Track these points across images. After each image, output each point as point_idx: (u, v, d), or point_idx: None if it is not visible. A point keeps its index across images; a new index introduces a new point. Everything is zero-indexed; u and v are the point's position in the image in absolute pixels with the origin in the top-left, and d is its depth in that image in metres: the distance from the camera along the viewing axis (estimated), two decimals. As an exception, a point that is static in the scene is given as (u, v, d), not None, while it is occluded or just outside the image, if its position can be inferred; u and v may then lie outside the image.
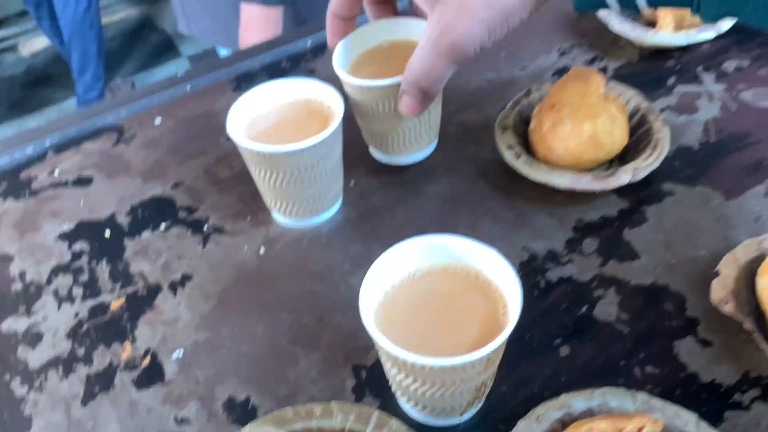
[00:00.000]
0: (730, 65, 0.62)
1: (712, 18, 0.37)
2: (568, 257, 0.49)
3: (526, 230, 0.51)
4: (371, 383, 0.43)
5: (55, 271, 0.53)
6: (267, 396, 0.43)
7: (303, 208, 0.52)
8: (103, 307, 0.50)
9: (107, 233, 0.56)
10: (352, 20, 0.51)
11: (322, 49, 0.72)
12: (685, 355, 0.43)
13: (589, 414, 0.38)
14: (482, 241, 0.50)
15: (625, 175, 0.50)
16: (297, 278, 0.50)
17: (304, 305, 0.48)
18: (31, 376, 0.46)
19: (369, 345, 0.44)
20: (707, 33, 0.62)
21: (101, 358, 0.47)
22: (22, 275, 0.53)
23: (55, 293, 0.51)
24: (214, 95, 0.67)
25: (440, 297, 0.39)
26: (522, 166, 0.52)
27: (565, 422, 0.37)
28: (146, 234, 0.55)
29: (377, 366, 0.43)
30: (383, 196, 0.55)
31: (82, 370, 0.46)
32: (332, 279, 0.50)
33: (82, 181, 0.61)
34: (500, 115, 0.56)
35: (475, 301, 0.39)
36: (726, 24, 0.62)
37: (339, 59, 0.51)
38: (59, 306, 0.51)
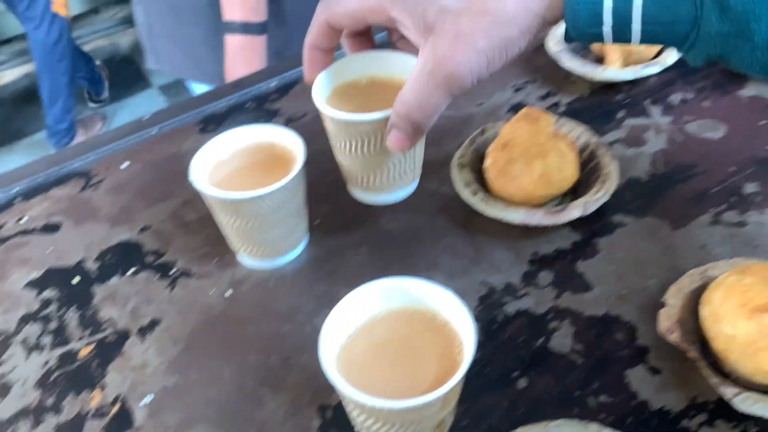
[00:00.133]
0: (675, 98, 0.65)
1: (699, 62, 0.38)
2: (525, 290, 0.51)
3: (485, 264, 0.53)
4: (337, 422, 0.44)
5: (24, 320, 0.54)
6: (235, 439, 0.44)
7: (268, 250, 0.54)
8: (72, 355, 0.51)
9: (76, 280, 0.56)
10: (330, 52, 0.49)
11: (286, 90, 0.73)
12: (636, 383, 0.45)
13: (543, 446, 0.39)
14: (443, 276, 0.53)
15: (575, 210, 0.52)
16: (263, 320, 0.51)
17: (270, 347, 0.49)
18: (0, 428, 0.47)
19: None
20: (653, 68, 0.65)
21: (71, 407, 0.47)
22: (-10, 325, 0.54)
23: (24, 342, 0.52)
24: (181, 137, 0.69)
25: (399, 339, 0.41)
26: (478, 203, 0.54)
27: (521, 455, 0.39)
28: (114, 280, 0.56)
29: (342, 405, 0.45)
30: (347, 235, 0.57)
31: (51, 420, 0.47)
32: (297, 319, 0.51)
33: (50, 228, 0.61)
34: (457, 153, 0.58)
35: (432, 341, 0.40)
36: (671, 58, 0.65)
37: (320, 93, 0.50)
38: (28, 355, 0.51)
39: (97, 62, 2.65)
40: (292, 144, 0.53)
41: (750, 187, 0.56)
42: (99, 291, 0.55)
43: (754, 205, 0.55)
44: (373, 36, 0.52)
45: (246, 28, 1.10)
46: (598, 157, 0.56)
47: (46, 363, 0.50)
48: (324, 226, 0.58)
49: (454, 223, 0.57)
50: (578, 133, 0.58)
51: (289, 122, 0.69)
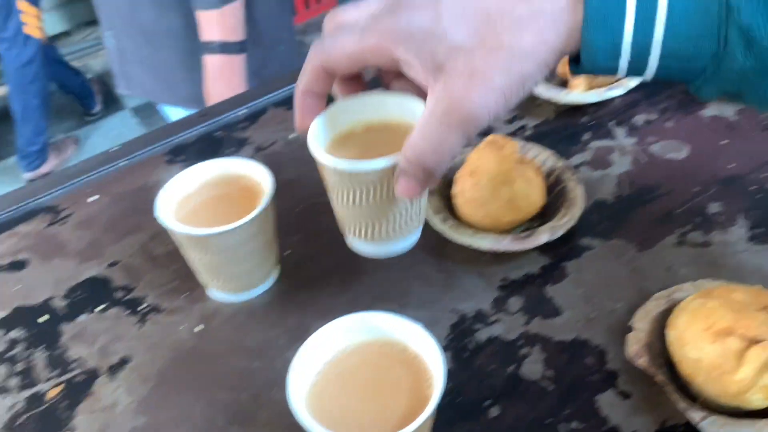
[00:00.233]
0: (639, 119, 0.66)
1: (710, 97, 0.37)
2: (495, 317, 0.52)
3: (456, 291, 0.54)
4: (309, 458, 0.44)
5: (-10, 362, 0.53)
6: (207, 479, 0.44)
7: (238, 284, 0.53)
8: (39, 397, 0.50)
9: (43, 318, 0.56)
10: (324, 97, 0.44)
11: (255, 117, 0.73)
12: (607, 408, 0.45)
13: (515, 477, 0.39)
14: (414, 305, 0.53)
15: (543, 236, 0.53)
16: (234, 355, 0.51)
17: (241, 383, 0.49)
18: (-34, 475, 0.46)
19: (306, 420, 0.45)
20: (617, 90, 0.66)
21: (38, 452, 0.47)
22: (-45, 368, 0.53)
23: (-10, 385, 0.51)
24: (149, 169, 0.68)
25: (369, 373, 0.41)
26: (448, 230, 0.54)
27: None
28: (83, 317, 0.55)
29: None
30: (318, 264, 0.57)
31: (18, 466, 0.46)
32: (269, 354, 0.51)
33: (17, 265, 0.61)
34: (426, 180, 0.58)
35: (402, 375, 0.40)
36: (634, 81, 0.67)
37: (317, 142, 0.44)
38: (-6, 399, 0.50)
39: (89, 76, 2.65)
40: (260, 176, 0.53)
41: (714, 207, 0.57)
42: (67, 329, 0.54)
43: (718, 225, 0.56)
44: (363, 79, 0.47)
45: (225, 48, 1.10)
46: (564, 181, 0.57)
47: (13, 406, 0.50)
48: (295, 256, 0.58)
49: (424, 250, 0.57)
50: (544, 157, 0.58)
51: (258, 150, 0.69)
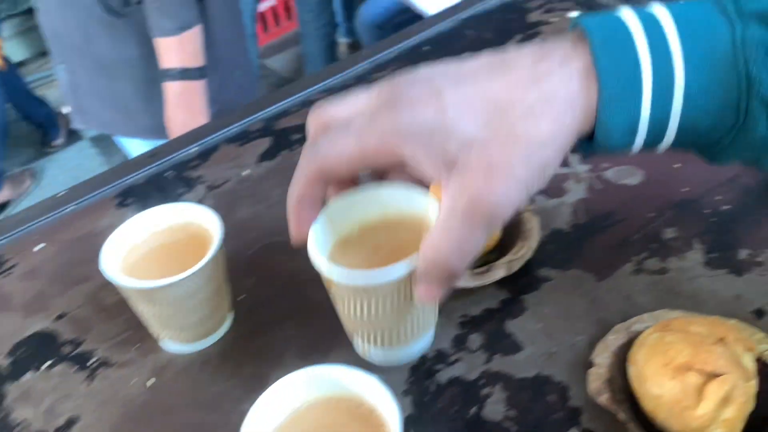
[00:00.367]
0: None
1: (725, 163, 0.36)
2: (456, 356, 0.51)
3: (415, 331, 0.53)
4: None
5: (-72, 430, 0.50)
6: None
7: (190, 334, 0.52)
8: (-19, 466, 0.47)
9: (-14, 379, 0.53)
10: (320, 202, 0.40)
11: (206, 155, 0.72)
12: (571, 447, 0.44)
13: None
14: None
15: (500, 271, 0.52)
16: (188, 409, 0.49)
17: (195, 440, 0.47)
18: None
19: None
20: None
21: None
22: None
23: (-72, 456, 0.48)
24: (97, 214, 0.66)
25: (325, 430, 0.39)
26: (405, 268, 0.53)
27: None
28: (28, 376, 0.53)
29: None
30: (274, 309, 0.55)
31: None
32: (224, 407, 0.49)
33: (-42, 322, 0.58)
34: (381, 217, 0.57)
35: (358, 430, 0.39)
36: (585, 107, 0.67)
37: (319, 253, 0.39)
38: (-67, 470, 0.48)
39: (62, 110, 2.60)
40: (208, 222, 0.51)
41: (669, 232, 0.57)
42: (11, 390, 0.52)
43: (674, 251, 0.56)
44: (358, 181, 0.43)
45: (185, 74, 1.09)
46: (519, 213, 0.56)
47: (-47, 477, 0.47)
48: (249, 301, 0.56)
49: (382, 288, 0.56)
50: (499, 189, 0.58)
51: (210, 189, 0.68)
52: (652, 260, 0.55)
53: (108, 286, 0.58)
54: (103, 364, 0.53)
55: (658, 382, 0.42)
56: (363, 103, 0.37)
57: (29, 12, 2.57)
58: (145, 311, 0.50)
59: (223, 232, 0.50)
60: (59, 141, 2.63)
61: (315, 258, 0.38)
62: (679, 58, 0.32)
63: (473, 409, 0.47)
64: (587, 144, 0.35)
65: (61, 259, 0.62)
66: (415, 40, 0.85)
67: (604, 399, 0.44)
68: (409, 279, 0.37)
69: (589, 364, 0.47)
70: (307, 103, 0.78)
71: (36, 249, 0.63)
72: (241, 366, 0.52)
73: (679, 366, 0.41)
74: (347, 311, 0.40)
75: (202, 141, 0.73)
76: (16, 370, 0.53)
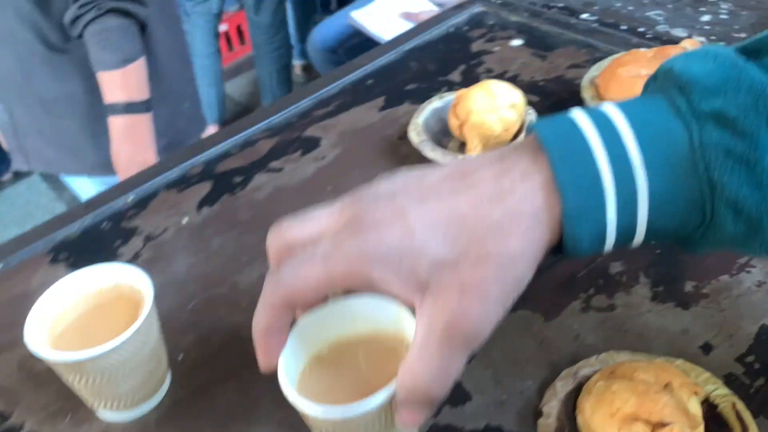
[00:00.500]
0: (537, 177, 0.66)
1: (698, 253, 0.36)
2: (404, 409, 0.49)
3: (362, 383, 0.51)
4: None
5: None
6: None
7: (125, 402, 0.49)
8: None
9: None
10: (287, 331, 0.39)
11: (144, 203, 0.69)
12: (523, 503, 0.43)
13: None
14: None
15: (446, 318, 0.51)
16: (123, 485, 0.47)
17: None
18: None
19: None
20: (512, 151, 0.65)
21: None
22: None
23: None
24: (29, 272, 0.63)
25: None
26: (348, 319, 0.51)
27: None
28: (-49, 456, 0.50)
29: None
30: (214, 368, 0.53)
31: None
32: (161, 480, 0.46)
33: None
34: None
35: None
36: (527, 140, 0.66)
37: (289, 383, 0.38)
38: None
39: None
40: (139, 282, 0.49)
41: (615, 267, 0.57)
42: (-67, 472, 0.49)
43: (621, 286, 0.55)
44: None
45: (130, 108, 1.07)
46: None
47: None
48: (188, 360, 0.54)
49: (327, 339, 0.54)
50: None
51: (148, 240, 0.65)
52: (599, 297, 0.55)
53: (39, 351, 0.56)
54: (34, 438, 0.50)
55: (606, 433, 0.41)
56: (325, 222, 0.36)
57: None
58: (76, 383, 0.47)
59: (154, 292, 0.47)
60: (7, 176, 2.55)
61: (287, 391, 0.37)
62: (640, 166, 0.32)
63: (422, 468, 0.45)
64: (559, 251, 0.35)
65: (-11, 324, 0.59)
66: (359, 74, 0.84)
67: (553, 451, 0.43)
68: (389, 405, 0.36)
69: (539, 413, 0.46)
70: (249, 143, 0.76)
71: (-38, 313, 0.60)
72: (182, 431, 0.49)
73: (626, 416, 0.40)
74: None
75: (139, 188, 0.71)
76: (-62, 450, 0.50)
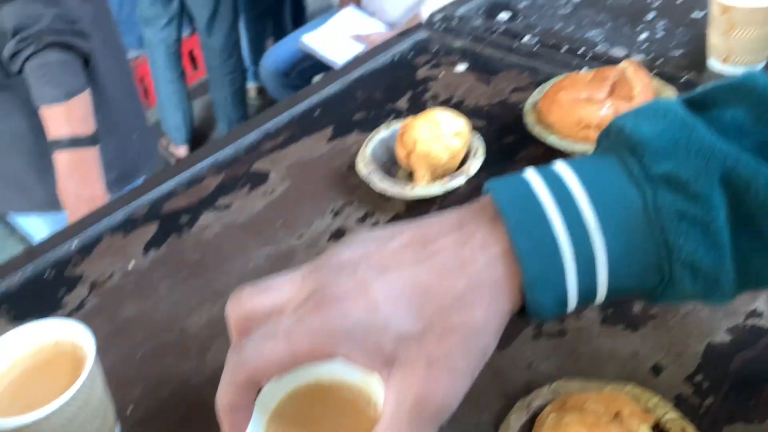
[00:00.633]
0: (486, 203, 0.66)
1: (667, 304, 0.37)
2: (360, 451, 0.48)
3: None
4: None
5: None
6: None
7: (71, 462, 0.47)
8: None
9: None
10: (252, 406, 0.38)
11: (89, 249, 0.68)
12: None
13: None
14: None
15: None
16: None
17: None
18: None
19: None
20: (459, 179, 0.66)
21: None
22: None
23: None
24: (-33, 328, 0.61)
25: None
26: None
27: None
28: None
29: None
30: (165, 419, 0.52)
31: None
32: None
33: None
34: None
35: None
36: (473, 168, 0.67)
37: None
38: None
39: None
40: (80, 338, 0.47)
41: (565, 291, 0.57)
42: None
43: (571, 310, 0.56)
44: None
45: (75, 142, 1.04)
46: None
47: None
48: (138, 412, 0.52)
49: (280, 382, 0.53)
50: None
51: (94, 288, 0.63)
52: (550, 322, 0.55)
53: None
54: (-25, 506, 0.48)
55: (559, 466, 0.41)
56: (287, 292, 0.35)
57: None
58: (15, 446, 0.45)
59: (101, 343, 0.46)
60: None
61: None
62: (596, 231, 0.32)
63: None
64: (523, 312, 0.35)
65: (-74, 386, 0.56)
66: (306, 105, 0.84)
67: (509, 487, 0.43)
68: None
69: (494, 449, 0.45)
70: (196, 181, 0.75)
71: None
72: (130, 491, 0.48)
73: (578, 449, 0.40)
74: None
75: (83, 233, 0.69)
76: None
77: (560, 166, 0.34)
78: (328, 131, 0.80)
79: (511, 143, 0.73)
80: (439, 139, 0.65)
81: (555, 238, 0.32)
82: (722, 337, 0.52)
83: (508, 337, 0.54)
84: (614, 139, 0.35)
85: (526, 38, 0.88)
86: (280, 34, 2.70)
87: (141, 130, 1.31)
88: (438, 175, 0.66)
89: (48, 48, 1.00)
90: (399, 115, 0.80)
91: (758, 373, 0.49)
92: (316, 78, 2.29)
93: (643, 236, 0.32)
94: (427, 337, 0.33)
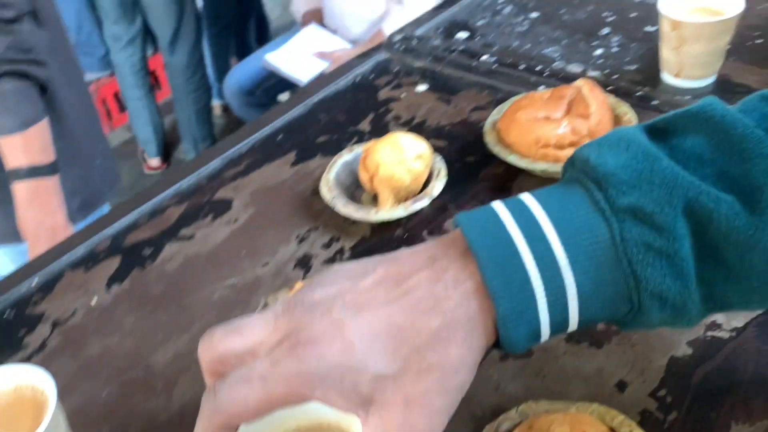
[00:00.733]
0: (449, 224, 0.67)
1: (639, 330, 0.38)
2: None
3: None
4: None
5: None
6: None
7: None
8: None
9: None
10: None
11: (50, 286, 0.66)
12: None
13: None
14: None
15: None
16: None
17: None
18: None
19: None
20: (423, 201, 0.66)
21: None
22: None
23: None
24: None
25: None
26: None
27: None
28: None
29: None
30: (132, 460, 0.51)
31: None
32: None
33: None
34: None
35: None
36: (437, 189, 0.67)
37: None
38: None
39: None
40: (41, 382, 0.46)
41: (530, 310, 0.58)
42: None
43: (537, 329, 0.56)
44: None
45: (34, 172, 1.03)
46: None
47: None
48: (104, 455, 0.51)
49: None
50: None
51: (56, 326, 0.62)
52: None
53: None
54: None
55: (527, 491, 0.41)
56: (260, 333, 0.35)
57: None
58: (-24, 498, 0.44)
59: (64, 383, 0.45)
60: None
61: None
62: (566, 265, 0.33)
63: None
64: (497, 345, 0.36)
65: None
66: (268, 130, 0.84)
67: None
68: None
69: (464, 475, 0.45)
70: (158, 212, 0.74)
71: None
72: None
73: (545, 473, 0.41)
74: None
75: (44, 270, 0.68)
76: None
77: (528, 199, 0.35)
78: (292, 156, 0.80)
79: (473, 162, 0.73)
80: (402, 162, 0.66)
81: (526, 274, 0.33)
82: (684, 350, 0.53)
83: (475, 360, 0.54)
84: (580, 169, 0.36)
85: (484, 57, 0.90)
86: (243, 52, 2.69)
87: (103, 155, 1.29)
88: (401, 197, 0.67)
89: (2, 77, 0.99)
90: (362, 137, 0.80)
91: (719, 385, 0.50)
92: (281, 96, 2.29)
93: (612, 268, 0.33)
94: (403, 377, 0.33)
